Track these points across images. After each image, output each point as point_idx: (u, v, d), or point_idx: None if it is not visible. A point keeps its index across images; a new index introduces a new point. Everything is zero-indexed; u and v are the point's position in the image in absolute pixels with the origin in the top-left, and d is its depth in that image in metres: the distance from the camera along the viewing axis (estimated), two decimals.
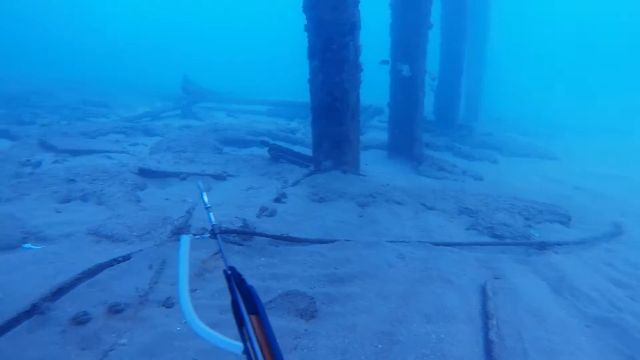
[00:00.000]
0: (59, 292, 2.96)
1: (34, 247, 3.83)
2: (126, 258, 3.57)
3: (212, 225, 1.51)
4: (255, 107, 18.09)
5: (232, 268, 1.20)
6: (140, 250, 3.75)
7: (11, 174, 5.63)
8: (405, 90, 9.24)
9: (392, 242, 4.47)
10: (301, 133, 12.31)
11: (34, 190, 5.17)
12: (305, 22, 6.74)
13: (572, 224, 5.88)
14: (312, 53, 6.80)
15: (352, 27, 6.67)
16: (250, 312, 1.06)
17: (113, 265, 3.44)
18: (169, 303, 3.11)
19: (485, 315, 3.19)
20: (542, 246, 4.67)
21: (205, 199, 1.63)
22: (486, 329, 3.02)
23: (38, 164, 6.25)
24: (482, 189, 7.45)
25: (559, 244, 4.83)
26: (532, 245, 4.72)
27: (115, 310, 2.92)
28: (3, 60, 23.00)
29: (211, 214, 1.59)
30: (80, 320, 2.75)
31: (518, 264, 4.31)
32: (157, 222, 4.61)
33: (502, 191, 7.33)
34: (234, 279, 1.16)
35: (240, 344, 1.07)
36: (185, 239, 1.45)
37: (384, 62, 9.51)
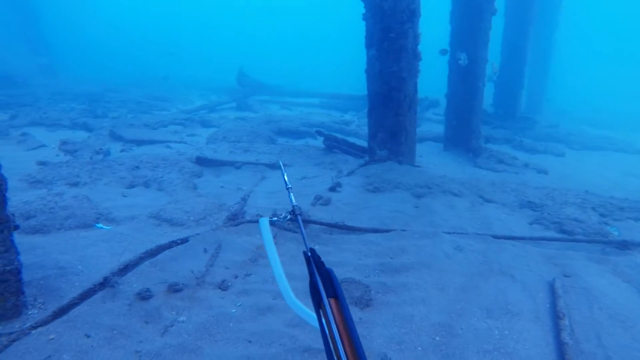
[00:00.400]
0: (126, 268, 3.13)
1: (104, 227, 4.09)
2: (184, 241, 3.70)
3: (293, 206, 1.50)
4: (309, 100, 18.23)
5: (312, 250, 1.16)
6: (197, 234, 3.86)
7: (87, 160, 6.08)
8: (464, 80, 8.80)
9: (449, 233, 4.27)
10: (355, 125, 12.19)
11: (105, 176, 5.54)
12: (364, 11, 6.61)
13: None
14: (370, 42, 6.66)
15: (411, 15, 6.43)
16: (329, 296, 1.02)
17: (172, 247, 3.58)
18: (224, 286, 3.17)
19: (556, 315, 2.94)
20: (625, 245, 4.21)
21: (286, 178, 1.62)
22: (557, 329, 2.78)
23: (108, 153, 6.69)
24: (546, 183, 6.94)
25: None
26: (611, 243, 4.28)
27: (174, 289, 3.03)
28: (83, 63, 25.12)
29: (292, 194, 1.57)
30: (144, 296, 2.88)
31: (593, 262, 3.93)
32: (213, 208, 4.75)
33: (570, 185, 6.78)
34: (314, 262, 1.12)
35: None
36: (264, 221, 1.47)
37: (443, 51, 9.11)
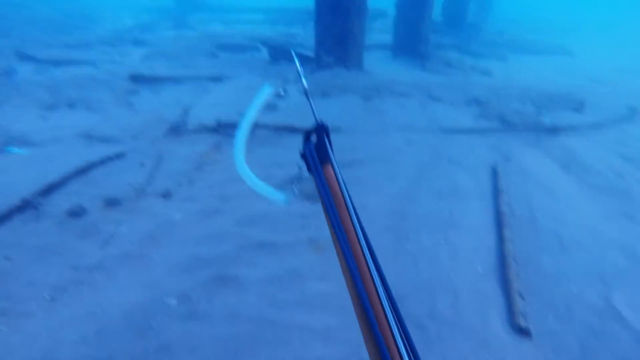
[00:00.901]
0: (51, 188, 2.83)
1: (19, 150, 3.65)
2: (120, 155, 3.41)
3: (305, 88, 1.34)
4: (254, 17, 16.91)
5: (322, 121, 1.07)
6: (135, 148, 3.56)
7: None
8: None
9: (399, 130, 4.25)
10: (301, 37, 11.51)
11: (13, 98, 4.86)
12: None
13: (585, 110, 5.58)
14: None
15: None
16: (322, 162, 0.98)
17: (106, 162, 3.29)
18: (167, 194, 2.99)
19: (496, 192, 3.07)
20: (554, 130, 4.46)
21: (298, 66, 1.42)
22: (497, 202, 2.91)
23: (14, 72, 5.80)
24: (490, 83, 7.04)
25: (572, 127, 4.60)
26: (544, 129, 4.49)
27: (112, 202, 2.81)
28: None
29: (304, 79, 1.38)
30: (76, 212, 2.65)
31: (529, 147, 4.14)
32: (152, 123, 4.38)
33: (513, 84, 6.93)
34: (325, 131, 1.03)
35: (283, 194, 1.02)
36: (267, 87, 1.32)
37: None
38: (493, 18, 17.04)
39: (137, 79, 6.09)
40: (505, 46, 12.19)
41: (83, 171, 3.14)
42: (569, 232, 2.64)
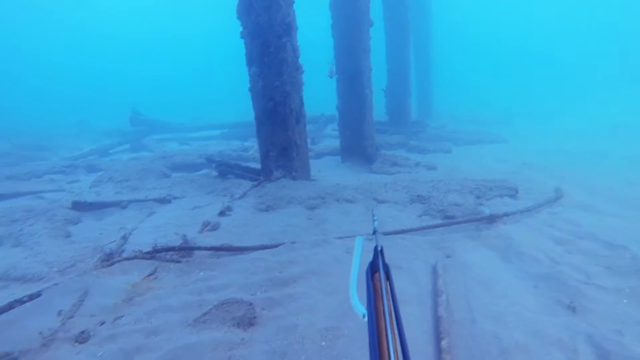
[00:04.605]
0: None
1: None
2: (34, 296, 3.14)
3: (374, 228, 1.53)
4: (210, 133, 17.71)
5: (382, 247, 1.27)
6: (55, 284, 3.33)
7: None
8: (352, 90, 9.17)
9: (340, 238, 4.25)
10: (254, 150, 12.03)
11: None
12: (241, 28, 6.57)
13: (519, 195, 5.92)
14: (250, 59, 6.59)
15: (287, 28, 6.52)
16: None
17: (13, 307, 3.00)
18: (83, 338, 2.71)
19: (435, 294, 3.01)
20: (492, 219, 4.61)
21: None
22: (435, 306, 2.83)
23: None
24: (434, 177, 7.42)
25: (506, 214, 4.80)
26: (482, 219, 4.64)
27: None
28: None
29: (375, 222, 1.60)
30: None
31: (469, 240, 4.22)
32: (87, 253, 4.20)
33: (454, 176, 7.33)
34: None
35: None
36: (360, 240, 1.48)
37: (332, 71, 9.36)
38: (436, 114, 18.71)
39: (80, 206, 6.00)
40: (448, 139, 13.20)
41: None
42: (509, 333, 2.53)
